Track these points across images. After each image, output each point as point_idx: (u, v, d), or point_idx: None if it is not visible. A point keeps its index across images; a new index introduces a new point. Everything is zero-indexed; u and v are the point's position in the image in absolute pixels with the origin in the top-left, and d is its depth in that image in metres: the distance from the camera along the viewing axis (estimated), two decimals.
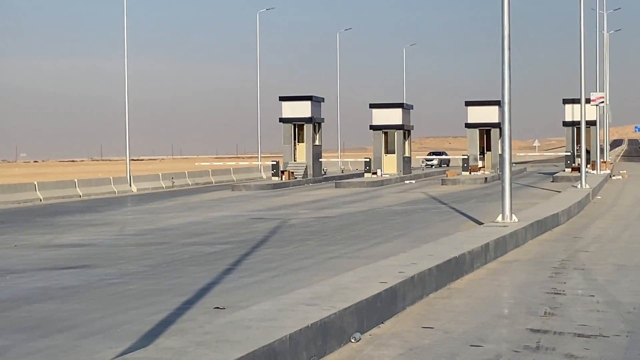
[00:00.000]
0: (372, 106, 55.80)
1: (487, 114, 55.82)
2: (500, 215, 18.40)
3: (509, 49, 18.24)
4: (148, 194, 43.31)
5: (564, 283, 12.28)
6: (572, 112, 52.84)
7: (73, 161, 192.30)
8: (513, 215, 18.33)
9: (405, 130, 55.73)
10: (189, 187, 49.55)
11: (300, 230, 21.79)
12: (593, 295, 11.23)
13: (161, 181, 49.14)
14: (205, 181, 53.66)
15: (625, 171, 51.71)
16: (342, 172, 66.02)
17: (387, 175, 51.78)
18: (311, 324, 7.74)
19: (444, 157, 79.28)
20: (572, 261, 14.68)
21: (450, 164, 76.96)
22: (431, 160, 76.96)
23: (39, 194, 38.31)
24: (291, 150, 54.28)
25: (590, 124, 49.15)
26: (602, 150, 58.65)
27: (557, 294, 11.37)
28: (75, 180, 42.76)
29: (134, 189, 45.84)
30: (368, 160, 54.47)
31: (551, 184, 41.90)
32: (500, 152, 21.20)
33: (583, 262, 14.47)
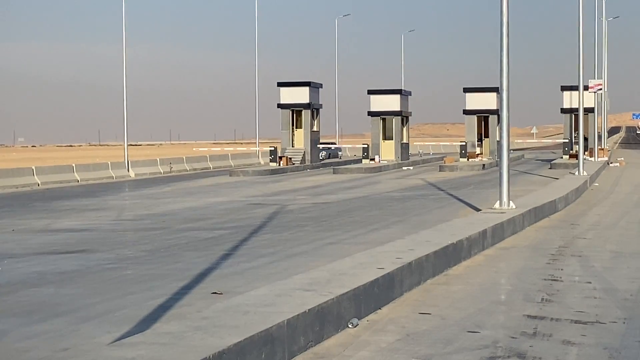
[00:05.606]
0: (371, 92, 55.71)
1: (485, 101, 55.77)
2: (498, 201, 18.41)
3: (508, 35, 18.20)
4: (146, 179, 43.30)
5: (561, 270, 12.30)
6: (570, 99, 52.81)
7: (71, 146, 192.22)
8: (510, 201, 18.35)
9: (404, 116, 55.69)
10: (187, 173, 49.53)
11: (298, 216, 21.80)
12: (590, 282, 11.25)
13: (159, 166, 49.12)
14: (203, 167, 53.64)
15: (622, 158, 51.69)
16: (340, 158, 66.00)
17: (385, 162, 51.78)
18: (309, 310, 7.76)
19: (332, 148, 67.79)
20: (570, 248, 14.70)
21: (342, 156, 67.70)
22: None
23: (36, 179, 38.29)
24: (289, 136, 54.23)
25: (588, 111, 49.14)
26: (599, 137, 58.59)
27: (555, 280, 11.39)
28: (73, 165, 42.75)
29: (131, 174, 45.82)
30: (366, 146, 54.44)
31: (549, 171, 41.92)
32: (498, 139, 21.20)
33: (580, 249, 14.49)
